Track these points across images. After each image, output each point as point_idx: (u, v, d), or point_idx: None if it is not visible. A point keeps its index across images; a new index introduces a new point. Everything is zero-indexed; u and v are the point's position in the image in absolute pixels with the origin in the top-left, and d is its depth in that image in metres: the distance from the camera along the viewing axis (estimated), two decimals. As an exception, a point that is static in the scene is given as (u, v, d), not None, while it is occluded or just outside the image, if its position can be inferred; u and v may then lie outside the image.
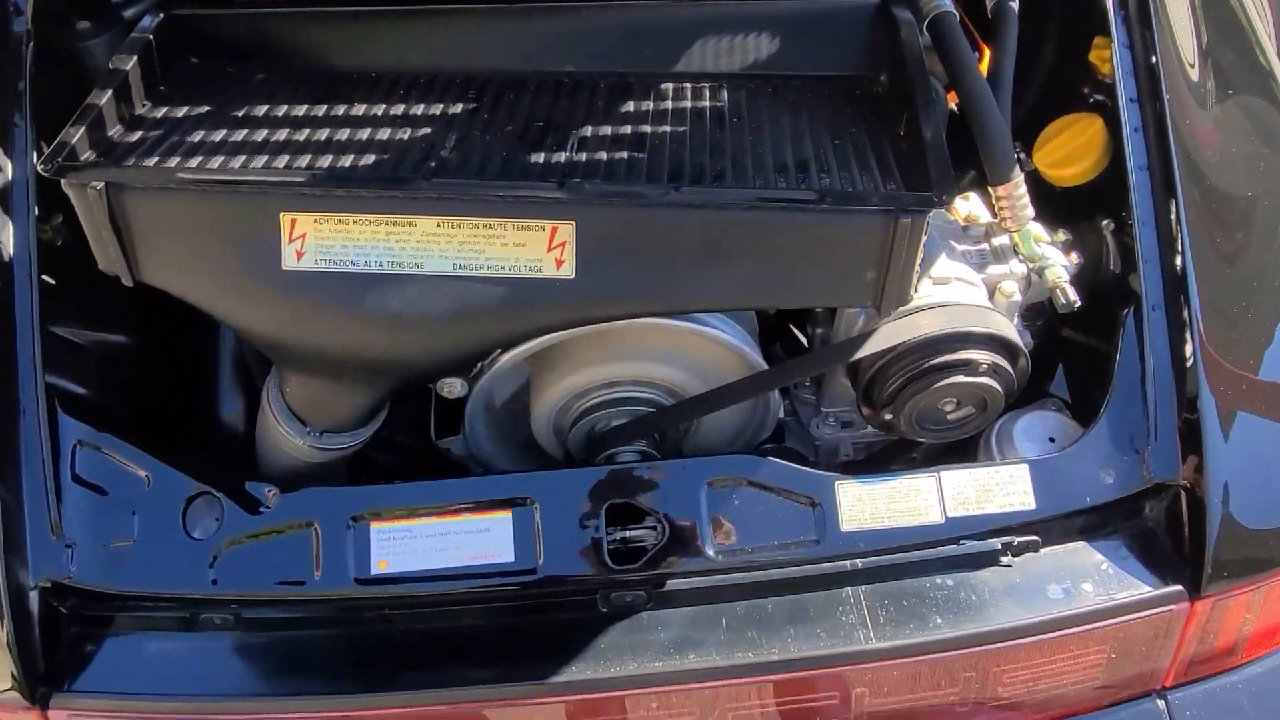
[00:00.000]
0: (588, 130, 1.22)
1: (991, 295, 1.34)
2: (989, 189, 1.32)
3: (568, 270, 1.09)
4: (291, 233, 1.08)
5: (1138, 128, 1.37)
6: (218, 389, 1.47)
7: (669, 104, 1.30)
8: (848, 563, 1.26)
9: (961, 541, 1.26)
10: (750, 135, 1.22)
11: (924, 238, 1.08)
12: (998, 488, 1.27)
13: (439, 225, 1.08)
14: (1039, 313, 1.50)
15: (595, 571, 1.24)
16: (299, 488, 1.24)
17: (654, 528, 1.26)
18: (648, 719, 1.22)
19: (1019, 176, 1.30)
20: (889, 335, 1.26)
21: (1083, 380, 1.45)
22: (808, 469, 1.28)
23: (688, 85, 1.34)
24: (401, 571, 1.23)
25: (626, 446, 1.37)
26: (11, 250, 1.28)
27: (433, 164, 1.13)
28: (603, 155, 1.17)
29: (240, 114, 1.23)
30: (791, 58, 1.35)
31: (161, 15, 1.30)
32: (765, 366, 1.36)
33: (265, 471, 1.34)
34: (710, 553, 1.25)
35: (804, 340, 1.57)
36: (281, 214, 1.08)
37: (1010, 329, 1.28)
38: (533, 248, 1.08)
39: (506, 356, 1.30)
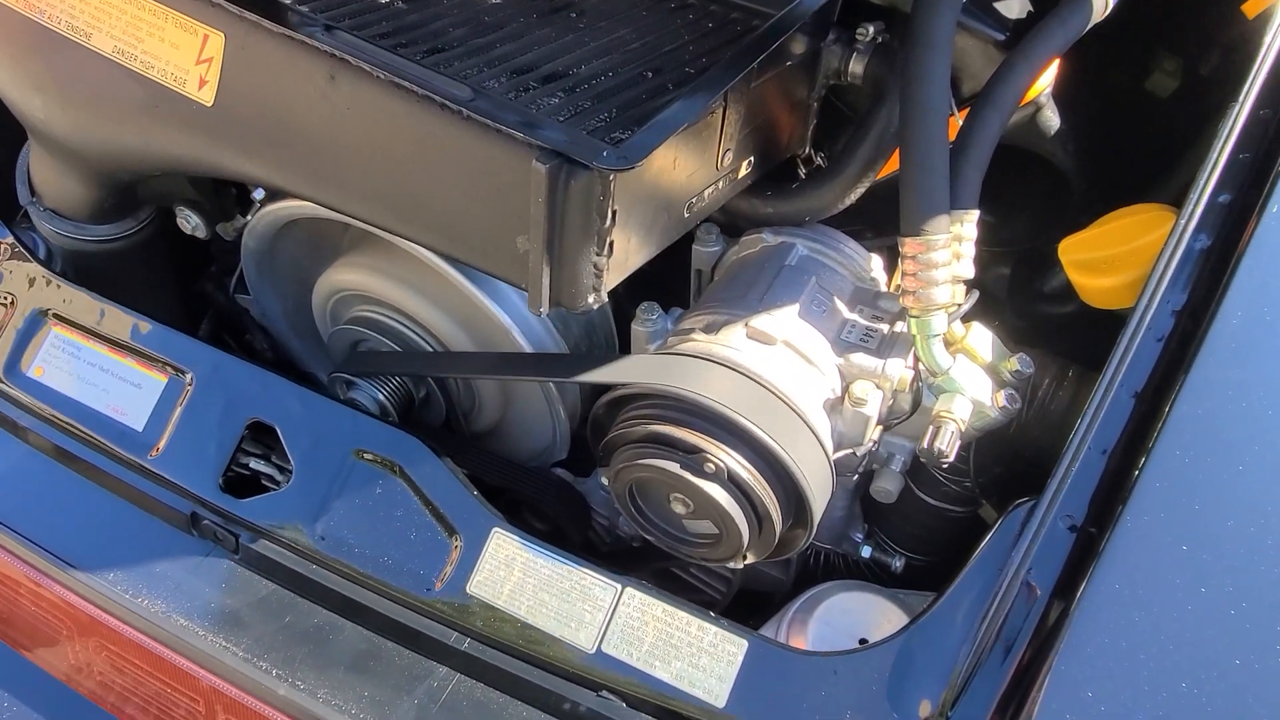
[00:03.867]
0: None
1: (844, 396, 0.88)
2: (899, 242, 0.86)
3: (207, 94, 0.85)
4: (11, -38, 0.95)
5: (1203, 248, 0.82)
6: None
7: (531, -21, 0.98)
8: (454, 635, 0.90)
9: (604, 694, 0.85)
10: (554, 31, 0.88)
11: (595, 213, 0.69)
12: (689, 652, 0.84)
13: (116, -6, 0.89)
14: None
15: (201, 487, 1.00)
16: (25, 261, 1.14)
17: (290, 472, 1.00)
18: (122, 668, 0.98)
19: (939, 238, 0.83)
20: (624, 368, 0.87)
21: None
22: (476, 497, 0.93)
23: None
24: (49, 386, 1.09)
25: (367, 382, 1.10)
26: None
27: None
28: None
29: None
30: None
31: None
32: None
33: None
34: (316, 533, 0.96)
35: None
36: (6, -62, 0.95)
37: (803, 446, 0.82)
38: (185, 54, 0.86)
39: (262, 212, 1.09)
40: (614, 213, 0.70)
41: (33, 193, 1.14)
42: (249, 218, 1.13)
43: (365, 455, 0.98)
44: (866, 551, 1.06)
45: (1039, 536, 0.77)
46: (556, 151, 0.67)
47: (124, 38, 0.89)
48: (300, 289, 1.26)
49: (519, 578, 0.90)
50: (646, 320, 0.94)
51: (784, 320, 0.89)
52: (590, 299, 0.74)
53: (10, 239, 1.16)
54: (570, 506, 1.12)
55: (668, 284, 1.08)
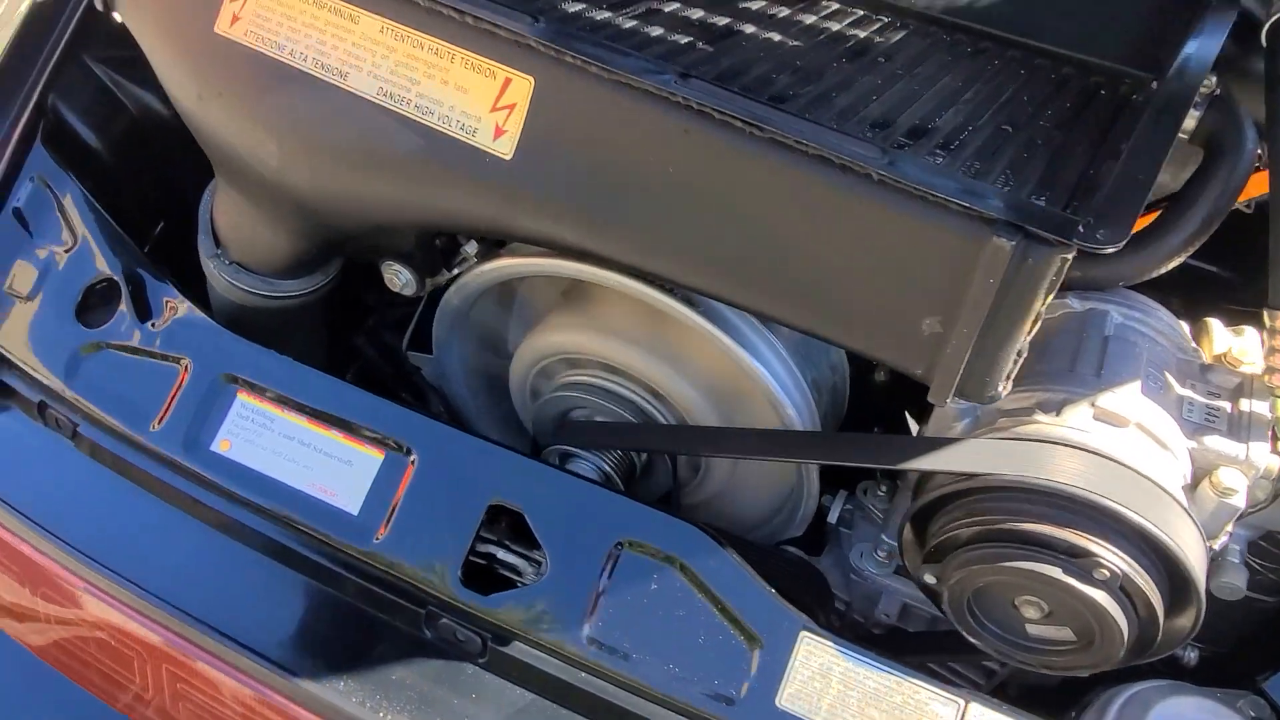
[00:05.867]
0: (669, 5, 0.86)
1: (1195, 482, 0.80)
2: (1265, 315, 0.78)
3: (505, 146, 0.75)
4: (237, -12, 0.84)
5: None
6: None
7: (808, 18, 0.90)
8: (760, 757, 0.80)
9: (953, 827, 0.75)
10: (879, 79, 0.79)
11: (1043, 296, 0.60)
12: (1053, 777, 0.74)
13: (382, 30, 0.78)
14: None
15: (437, 580, 0.89)
16: (197, 316, 1.02)
17: (538, 563, 0.89)
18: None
19: (1324, 310, 0.75)
20: (971, 454, 0.77)
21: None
22: (774, 595, 0.83)
23: (858, 10, 0.93)
24: (238, 462, 0.97)
25: (588, 453, 1.00)
26: (89, -35, 1.19)
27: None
28: (654, 30, 0.81)
29: None
30: (1027, 18, 0.89)
31: None
32: (797, 426, 0.92)
33: (211, 303, 1.13)
34: (583, 635, 0.85)
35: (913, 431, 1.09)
36: (234, -39, 0.84)
37: (1191, 542, 0.73)
38: (476, 98, 0.75)
39: (482, 268, 0.98)
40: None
41: (217, 244, 1.02)
42: (454, 272, 1.02)
43: (635, 546, 0.87)
44: (1155, 641, 0.97)
45: None
46: (1018, 225, 0.58)
47: (391, 79, 0.79)
48: (487, 347, 1.16)
49: (838, 690, 0.80)
50: (959, 399, 0.84)
51: (1132, 400, 0.80)
52: (1001, 389, 0.65)
53: (177, 298, 1.04)
54: (813, 590, 1.02)
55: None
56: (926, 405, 1.00)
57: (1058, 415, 0.80)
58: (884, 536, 1.01)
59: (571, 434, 1.00)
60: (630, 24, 0.82)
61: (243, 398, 0.99)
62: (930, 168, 0.63)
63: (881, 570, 1.00)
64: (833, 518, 1.05)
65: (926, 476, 0.83)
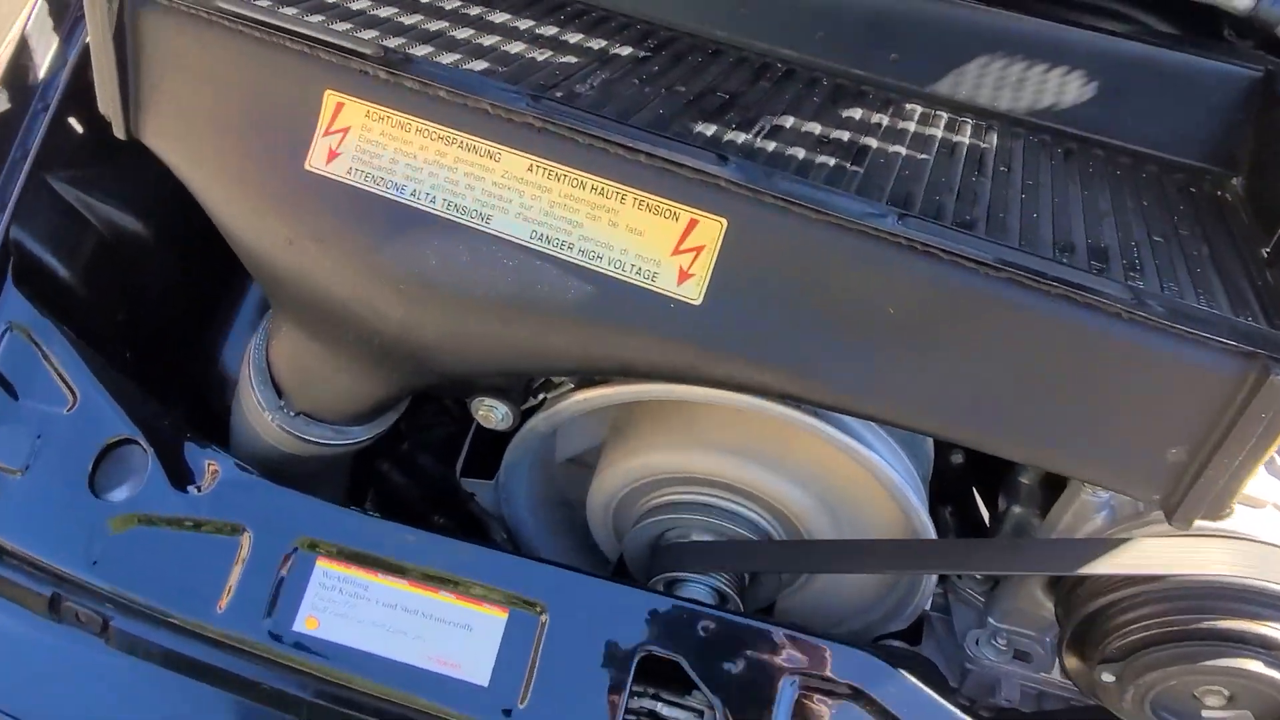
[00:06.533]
0: (786, 121, 0.84)
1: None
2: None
3: (692, 291, 0.70)
4: (333, 121, 0.75)
5: None
6: (233, 325, 1.15)
7: (908, 125, 0.90)
8: None
9: None
10: (1021, 194, 0.80)
11: (1295, 421, 0.62)
12: None
13: (531, 169, 0.71)
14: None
15: (593, 747, 0.82)
16: (248, 475, 0.89)
17: (699, 713, 0.83)
18: None
19: None
20: (1152, 557, 0.79)
21: None
22: (955, 711, 0.82)
23: (942, 113, 0.94)
24: (332, 641, 0.85)
25: (697, 575, 0.95)
26: (42, 71, 1.02)
27: (556, 91, 0.77)
28: (798, 152, 0.78)
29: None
30: (1107, 118, 0.93)
31: None
32: (930, 531, 0.91)
33: (235, 447, 1.00)
34: (772, 787, 0.80)
35: (983, 511, 1.11)
36: (327, 92, 0.74)
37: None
38: (654, 241, 0.70)
39: (579, 396, 0.92)
40: (1294, 415, 0.63)
41: (279, 393, 0.90)
42: (539, 398, 0.95)
43: (809, 682, 0.83)
44: None
45: None
46: (1282, 360, 0.60)
47: (545, 220, 0.72)
48: (549, 469, 1.08)
49: (1041, 804, 0.79)
50: (1098, 490, 0.87)
51: (1261, 479, 0.85)
52: (1234, 506, 0.67)
53: (217, 455, 0.91)
54: (932, 684, 1.02)
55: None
56: (999, 485, 1.03)
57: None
58: (992, 620, 1.02)
59: (688, 557, 0.95)
60: (772, 146, 0.79)
61: (324, 564, 0.88)
62: (1173, 303, 0.64)
63: (1001, 657, 1.01)
64: (927, 604, 1.05)
65: (1071, 584, 0.85)
